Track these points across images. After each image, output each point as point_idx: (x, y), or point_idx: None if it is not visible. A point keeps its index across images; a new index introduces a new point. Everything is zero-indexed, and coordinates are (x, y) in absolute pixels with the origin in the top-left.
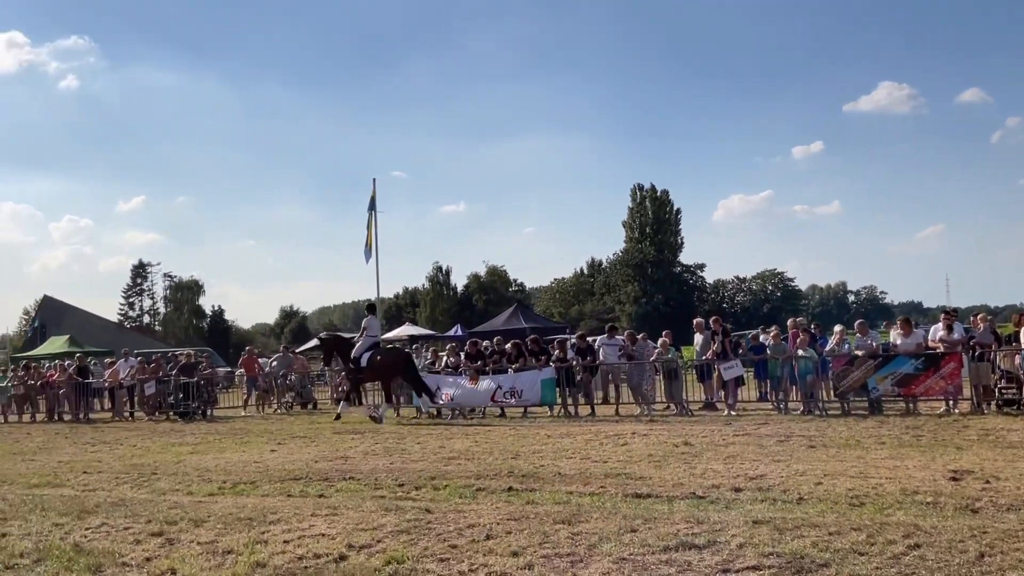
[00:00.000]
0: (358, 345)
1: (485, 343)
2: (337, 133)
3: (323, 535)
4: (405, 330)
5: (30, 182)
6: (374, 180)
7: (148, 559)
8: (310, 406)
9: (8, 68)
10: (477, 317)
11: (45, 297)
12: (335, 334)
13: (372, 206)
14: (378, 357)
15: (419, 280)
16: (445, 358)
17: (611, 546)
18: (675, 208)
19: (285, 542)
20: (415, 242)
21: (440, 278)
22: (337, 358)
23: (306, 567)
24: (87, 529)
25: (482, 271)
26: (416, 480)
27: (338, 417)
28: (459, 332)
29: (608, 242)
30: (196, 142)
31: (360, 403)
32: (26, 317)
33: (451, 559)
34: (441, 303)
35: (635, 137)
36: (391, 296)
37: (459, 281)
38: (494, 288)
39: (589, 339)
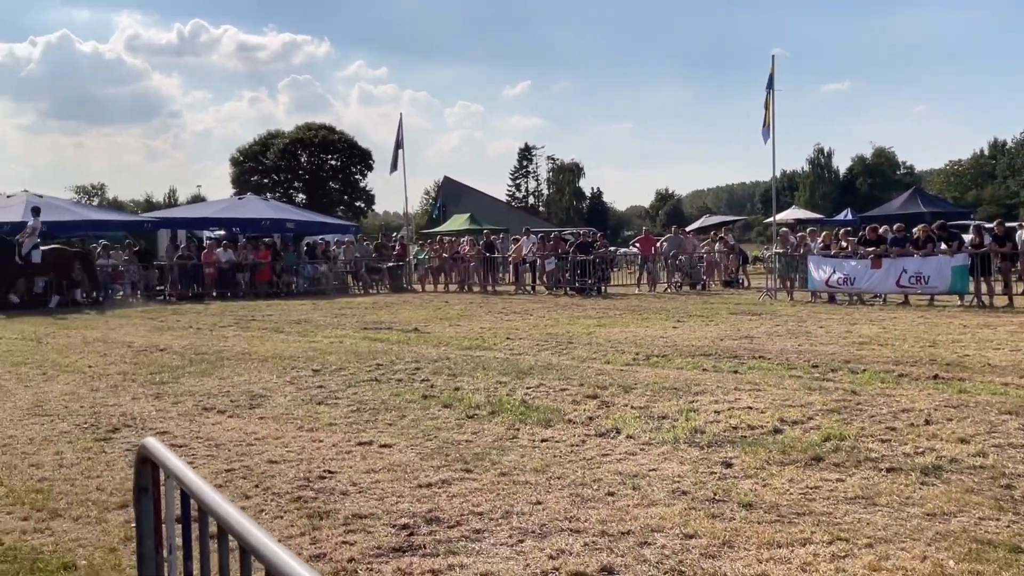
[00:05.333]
0: (24, 244)
1: (883, 228)
2: (713, 10)
3: (751, 408)
4: (791, 213)
5: (428, 70)
6: (772, 57)
7: (590, 418)
8: (699, 286)
9: None
10: (861, 201)
11: (445, 178)
12: None
13: (770, 84)
14: (52, 255)
15: (797, 163)
16: (840, 242)
17: None
18: None
19: (716, 412)
20: (793, 124)
21: (821, 160)
22: None
23: (743, 436)
24: (527, 388)
25: (867, 152)
26: (830, 363)
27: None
28: (849, 216)
29: (1014, 121)
30: (577, 26)
31: (15, 296)
32: (426, 196)
33: (892, 440)
34: (821, 186)
35: None
36: (766, 179)
37: (841, 164)
38: (880, 171)
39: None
